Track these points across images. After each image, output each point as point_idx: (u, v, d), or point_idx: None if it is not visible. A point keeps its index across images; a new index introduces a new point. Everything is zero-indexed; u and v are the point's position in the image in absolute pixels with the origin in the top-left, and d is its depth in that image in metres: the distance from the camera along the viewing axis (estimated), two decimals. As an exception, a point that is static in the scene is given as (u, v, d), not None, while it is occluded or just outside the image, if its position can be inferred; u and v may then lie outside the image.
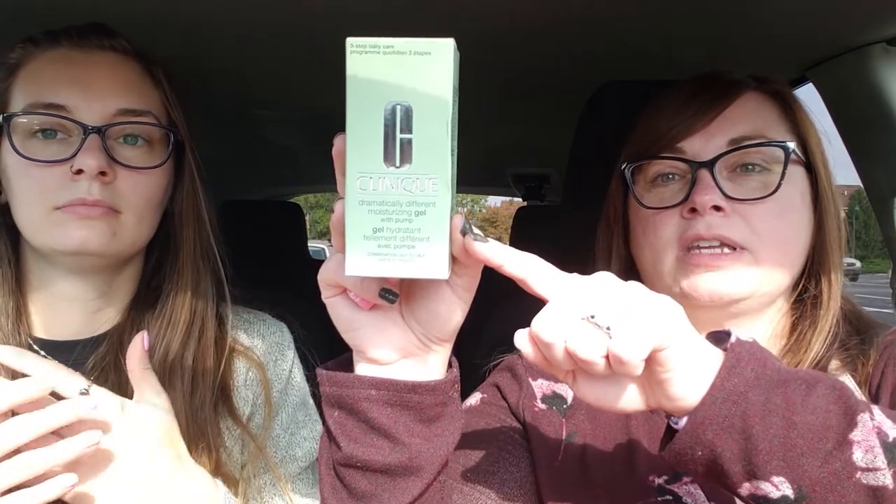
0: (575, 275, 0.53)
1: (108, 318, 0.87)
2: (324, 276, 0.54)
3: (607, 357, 0.49)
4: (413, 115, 0.45)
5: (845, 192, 0.93)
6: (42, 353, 0.83)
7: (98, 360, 0.84)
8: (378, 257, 0.47)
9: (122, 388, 0.81)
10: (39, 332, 0.85)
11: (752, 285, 0.74)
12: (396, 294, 0.53)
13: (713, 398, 0.51)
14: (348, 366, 0.58)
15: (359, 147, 0.46)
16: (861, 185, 1.08)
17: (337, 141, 0.48)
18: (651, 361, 0.50)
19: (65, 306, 0.85)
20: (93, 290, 0.85)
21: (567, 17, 0.97)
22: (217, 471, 0.81)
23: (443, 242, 0.47)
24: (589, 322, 0.49)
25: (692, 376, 0.52)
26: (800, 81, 1.14)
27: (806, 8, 0.90)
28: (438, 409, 0.56)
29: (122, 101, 0.82)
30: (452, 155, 0.47)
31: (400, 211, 0.47)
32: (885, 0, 0.87)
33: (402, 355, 0.56)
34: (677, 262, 0.76)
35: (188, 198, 0.90)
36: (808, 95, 1.07)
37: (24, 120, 0.79)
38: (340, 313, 0.55)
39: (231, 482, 0.83)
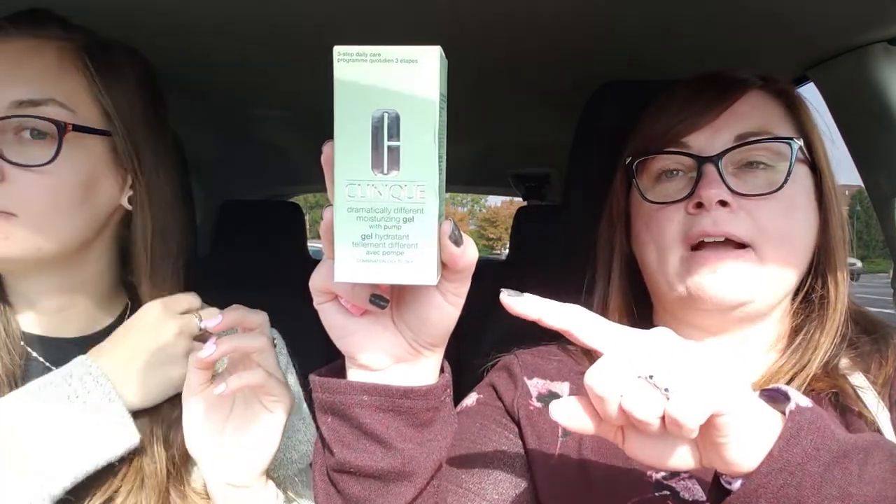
0: (628, 328, 0.52)
1: (85, 322, 0.86)
2: (315, 282, 0.54)
3: (663, 418, 0.48)
4: (400, 121, 0.46)
5: (846, 192, 0.93)
6: (31, 351, 0.82)
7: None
8: (367, 264, 0.47)
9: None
10: (29, 328, 0.84)
11: (757, 287, 0.73)
12: (387, 300, 0.53)
13: (770, 468, 0.49)
14: (341, 372, 0.58)
15: (347, 154, 0.46)
16: (862, 185, 1.08)
17: (326, 148, 0.48)
18: (708, 426, 0.49)
19: (35, 308, 0.83)
20: (46, 291, 0.83)
21: (567, 17, 0.97)
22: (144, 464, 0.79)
23: (431, 248, 0.47)
24: (647, 382, 0.48)
25: (749, 442, 0.50)
26: (801, 81, 1.13)
27: (806, 8, 0.90)
28: (431, 414, 0.56)
29: (20, 91, 0.76)
30: (440, 161, 0.47)
31: (388, 217, 0.47)
32: (886, 0, 0.87)
33: (393, 361, 0.56)
34: (682, 262, 0.75)
35: (138, 194, 0.84)
36: (809, 95, 1.07)
37: None
38: (332, 320, 0.55)
39: None
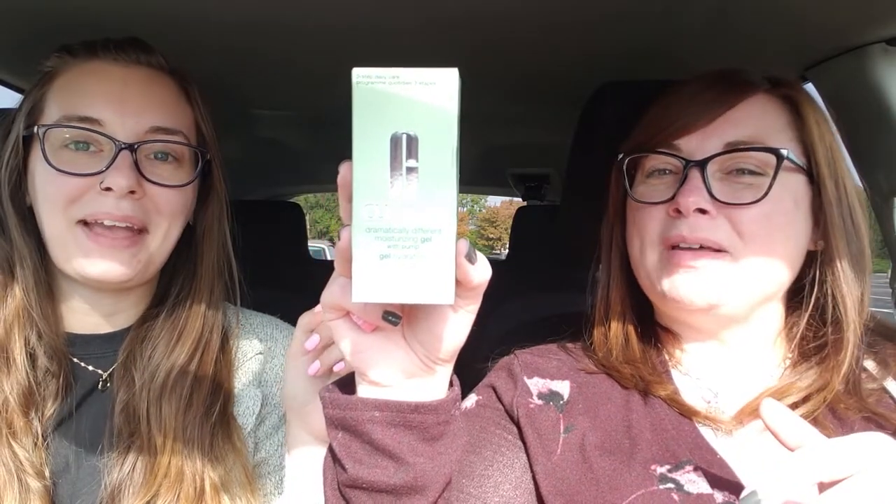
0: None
1: (120, 321, 0.90)
2: (326, 299, 0.54)
3: None
4: (419, 143, 0.46)
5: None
6: (69, 349, 0.86)
7: (110, 357, 0.87)
8: (385, 284, 0.47)
9: (130, 386, 0.83)
10: (68, 327, 0.87)
11: (731, 289, 0.74)
12: (399, 316, 0.53)
13: None
14: (349, 386, 0.59)
15: (366, 175, 0.47)
16: (860, 185, 1.08)
17: (342, 169, 0.48)
18: None
19: (82, 308, 0.87)
20: (108, 298, 0.88)
21: (567, 17, 0.97)
22: (200, 480, 0.82)
23: (448, 268, 0.47)
24: None
25: None
26: (799, 82, 1.13)
27: (806, 8, 0.90)
28: (441, 428, 0.57)
29: (155, 118, 0.83)
30: (457, 181, 0.48)
31: (406, 238, 0.47)
32: (885, 0, 0.87)
33: (404, 376, 0.56)
34: (660, 259, 0.77)
35: (212, 216, 0.91)
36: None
37: (58, 131, 0.80)
38: (344, 336, 0.56)
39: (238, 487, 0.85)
